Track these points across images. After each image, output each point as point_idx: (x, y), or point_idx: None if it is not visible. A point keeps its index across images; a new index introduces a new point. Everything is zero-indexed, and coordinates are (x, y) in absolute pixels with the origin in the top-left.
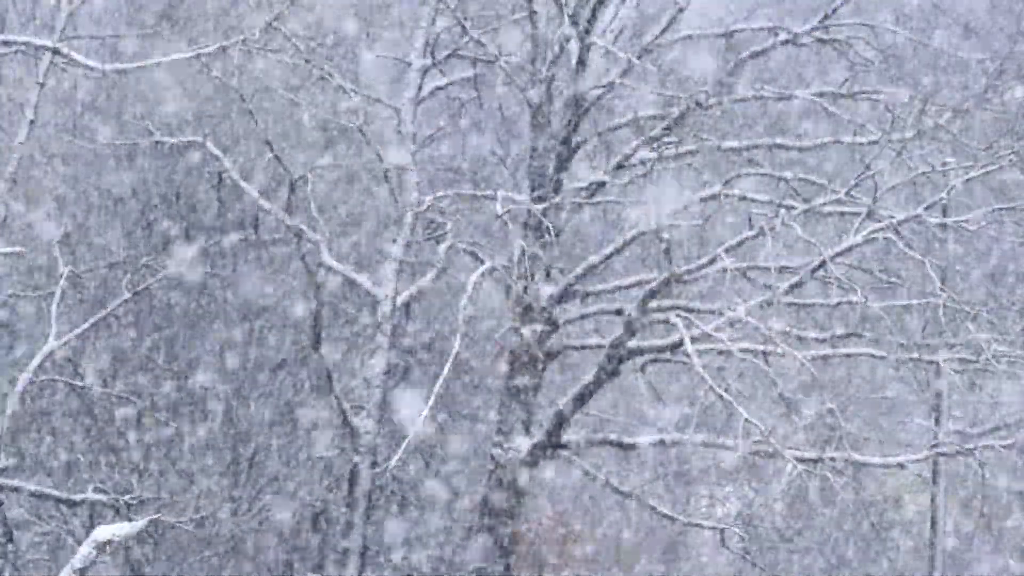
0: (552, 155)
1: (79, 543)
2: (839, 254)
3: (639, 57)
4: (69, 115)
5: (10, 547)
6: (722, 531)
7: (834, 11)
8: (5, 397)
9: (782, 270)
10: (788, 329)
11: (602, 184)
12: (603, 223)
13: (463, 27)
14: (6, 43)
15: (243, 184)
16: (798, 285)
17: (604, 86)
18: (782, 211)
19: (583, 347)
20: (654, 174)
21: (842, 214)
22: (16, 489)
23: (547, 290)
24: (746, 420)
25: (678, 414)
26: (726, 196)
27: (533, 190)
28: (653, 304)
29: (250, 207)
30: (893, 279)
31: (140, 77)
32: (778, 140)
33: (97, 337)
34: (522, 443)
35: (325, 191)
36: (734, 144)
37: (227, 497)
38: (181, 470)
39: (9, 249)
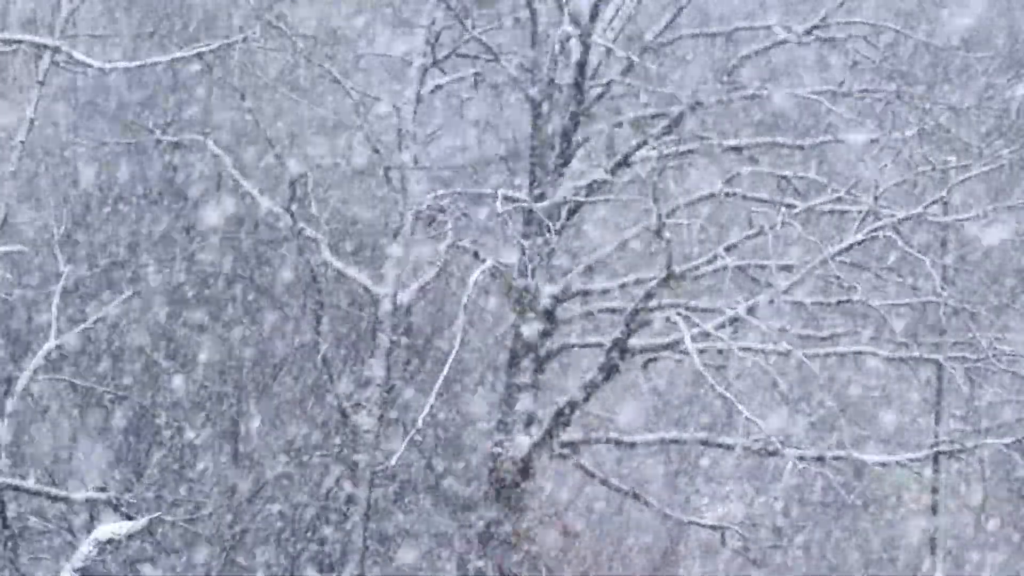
0: (553, 153)
1: (79, 543)
2: (840, 252)
3: (640, 56)
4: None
5: (10, 546)
6: (722, 531)
7: (836, 9)
8: (6, 396)
9: (782, 268)
10: (788, 328)
11: (603, 182)
12: (603, 222)
13: (463, 25)
14: (6, 41)
15: (243, 182)
16: (798, 283)
17: (604, 84)
18: (783, 210)
19: (583, 346)
20: (654, 173)
21: (843, 213)
22: (16, 488)
23: (547, 289)
24: (747, 418)
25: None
26: (726, 195)
27: (533, 188)
28: (654, 302)
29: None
30: (894, 278)
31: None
32: (778, 139)
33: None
34: (522, 442)
35: (326, 189)
36: (734, 143)
37: (227, 495)
38: (181, 468)
39: (9, 248)
